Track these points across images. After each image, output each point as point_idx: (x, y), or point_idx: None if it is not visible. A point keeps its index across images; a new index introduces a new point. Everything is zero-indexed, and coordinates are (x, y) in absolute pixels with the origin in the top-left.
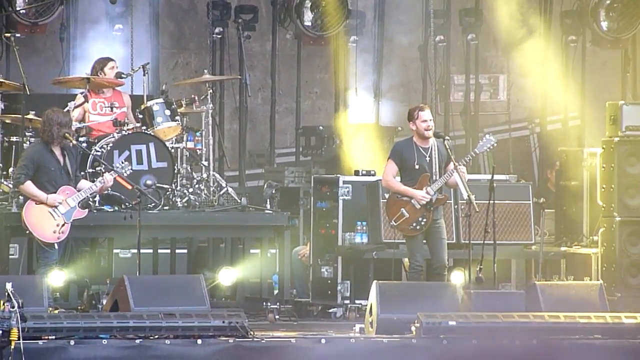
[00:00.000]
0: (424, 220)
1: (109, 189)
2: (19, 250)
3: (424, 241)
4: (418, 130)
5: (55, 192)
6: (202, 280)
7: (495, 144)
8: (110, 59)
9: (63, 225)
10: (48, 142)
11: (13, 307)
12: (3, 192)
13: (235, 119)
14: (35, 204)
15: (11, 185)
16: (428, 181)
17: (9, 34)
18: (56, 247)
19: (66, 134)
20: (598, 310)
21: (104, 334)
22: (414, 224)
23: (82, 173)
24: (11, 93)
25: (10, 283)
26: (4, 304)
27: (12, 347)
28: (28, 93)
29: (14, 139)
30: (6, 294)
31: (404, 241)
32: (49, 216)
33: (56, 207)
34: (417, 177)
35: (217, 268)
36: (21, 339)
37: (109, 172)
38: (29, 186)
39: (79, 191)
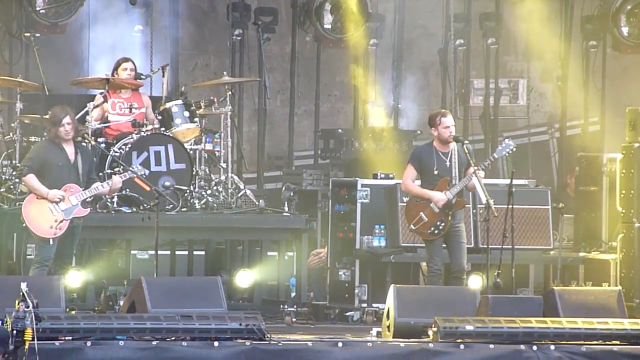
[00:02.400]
0: (443, 224)
1: (125, 190)
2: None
3: (443, 245)
4: (440, 136)
5: (62, 187)
6: (219, 282)
7: (514, 149)
8: (125, 60)
9: (61, 221)
10: (53, 140)
11: (28, 307)
12: (21, 192)
13: (254, 121)
14: (37, 198)
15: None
16: (447, 185)
17: (28, 34)
18: (51, 242)
19: (84, 135)
20: (616, 317)
21: (120, 336)
22: (433, 228)
23: (101, 174)
24: (30, 93)
25: (25, 283)
26: (18, 304)
27: (27, 347)
28: (47, 93)
29: (33, 138)
30: (21, 293)
31: (422, 245)
32: (48, 211)
33: (57, 202)
34: (437, 182)
35: (235, 270)
36: (35, 339)
37: (125, 172)
38: (31, 179)
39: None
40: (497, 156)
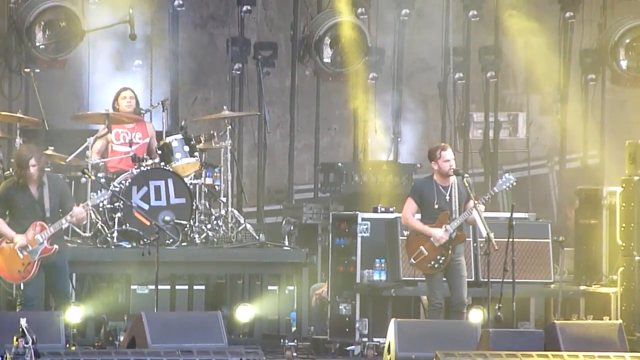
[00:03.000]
0: (443, 258)
1: (124, 225)
2: None
3: (444, 279)
4: (440, 170)
5: (28, 227)
6: (219, 317)
7: (514, 183)
8: (124, 89)
9: (28, 264)
10: (17, 180)
11: (27, 343)
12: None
13: (254, 155)
14: (6, 242)
15: None
16: (447, 219)
17: (28, 69)
18: (22, 287)
19: (84, 170)
20: (618, 350)
21: None
22: (433, 262)
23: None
24: (30, 128)
25: (25, 319)
26: (17, 340)
27: None
28: (47, 128)
29: None
30: (20, 329)
31: (423, 279)
32: (15, 255)
33: (24, 247)
34: (437, 216)
35: (235, 305)
36: None
37: (87, 201)
38: None
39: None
40: (497, 190)
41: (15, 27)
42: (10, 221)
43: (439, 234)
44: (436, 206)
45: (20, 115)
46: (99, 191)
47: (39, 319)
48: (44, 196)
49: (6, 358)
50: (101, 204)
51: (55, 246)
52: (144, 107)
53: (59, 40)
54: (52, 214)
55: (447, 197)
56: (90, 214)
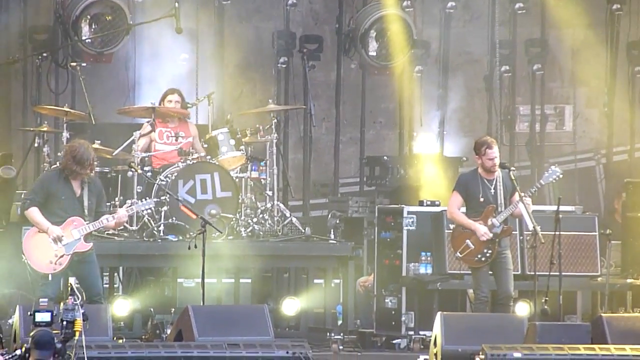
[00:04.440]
0: (490, 251)
1: (171, 218)
2: None
3: (490, 272)
4: (484, 166)
5: (65, 221)
6: (266, 310)
7: (560, 175)
8: (172, 91)
9: (61, 256)
10: (63, 172)
11: (76, 300)
12: None
13: (299, 148)
14: (38, 232)
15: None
16: (493, 213)
17: (74, 64)
18: (50, 278)
19: (130, 164)
20: None
21: None
22: (479, 256)
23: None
24: (77, 122)
25: (74, 277)
26: (67, 297)
27: (77, 337)
28: (94, 122)
29: None
30: (69, 287)
31: (469, 272)
32: (48, 245)
33: (55, 239)
34: (482, 209)
35: (281, 298)
36: (84, 334)
37: (132, 205)
38: (33, 212)
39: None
40: (544, 183)
41: (61, 22)
42: (45, 212)
43: (483, 230)
44: (481, 199)
45: (67, 110)
46: (144, 199)
47: (87, 311)
48: (84, 194)
49: (57, 314)
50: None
51: (91, 244)
52: (190, 101)
53: (105, 34)
54: (89, 213)
55: (492, 191)
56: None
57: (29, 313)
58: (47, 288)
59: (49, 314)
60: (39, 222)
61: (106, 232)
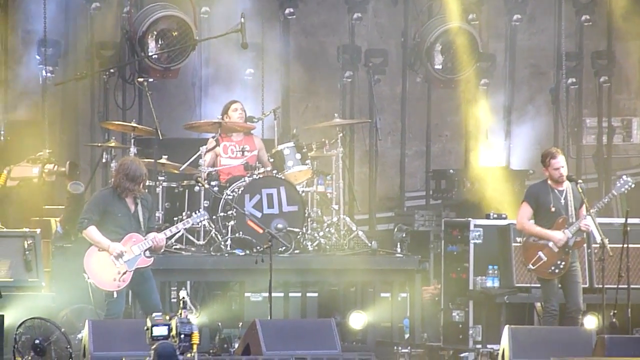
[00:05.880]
0: (563, 263)
1: (238, 232)
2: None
3: (559, 285)
4: (551, 177)
5: (123, 238)
6: (333, 324)
7: (633, 185)
8: (234, 102)
9: (124, 273)
10: (116, 190)
11: (191, 313)
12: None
13: (365, 162)
14: (98, 250)
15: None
16: (565, 224)
17: (141, 79)
18: (115, 295)
19: (197, 178)
20: None
21: None
22: (553, 267)
23: (215, 217)
24: (144, 138)
25: (185, 290)
26: (181, 310)
27: (195, 351)
28: (160, 137)
29: (147, 183)
30: (182, 300)
31: (536, 285)
32: (110, 263)
33: (117, 256)
34: (553, 220)
35: (348, 312)
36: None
37: (170, 229)
38: (92, 231)
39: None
40: (616, 193)
41: (128, 38)
42: (102, 230)
43: (559, 236)
44: (552, 209)
45: (135, 125)
46: (197, 211)
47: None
48: (138, 210)
49: (172, 327)
50: (202, 220)
51: (152, 259)
52: (256, 116)
53: (172, 49)
54: (145, 229)
55: (563, 201)
56: (205, 222)
57: (145, 328)
58: (114, 305)
59: (166, 327)
60: (99, 241)
61: (174, 247)
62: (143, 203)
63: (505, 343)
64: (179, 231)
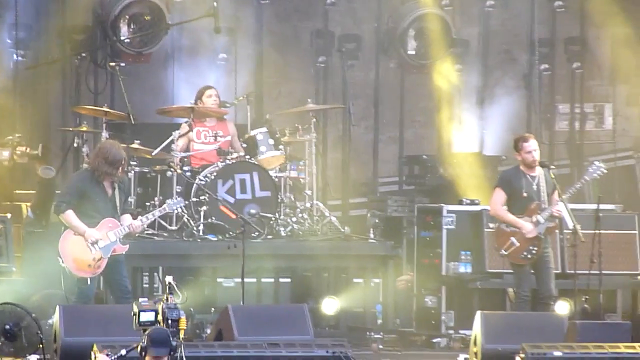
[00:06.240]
0: (535, 248)
1: (210, 218)
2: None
3: (532, 271)
4: (524, 161)
5: (100, 221)
6: (305, 310)
7: (605, 171)
8: (208, 87)
9: (99, 259)
10: (94, 173)
11: (177, 299)
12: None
13: (338, 148)
14: (74, 234)
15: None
16: (538, 210)
17: (113, 64)
18: (89, 282)
19: (170, 164)
20: None
21: None
22: (525, 253)
23: (187, 202)
24: (116, 122)
25: (171, 276)
26: (167, 296)
27: (182, 335)
28: (133, 122)
29: None
30: (167, 286)
31: (509, 271)
32: (85, 249)
33: (93, 243)
34: (525, 205)
35: (321, 297)
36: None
37: (147, 215)
38: (69, 215)
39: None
40: (588, 178)
41: (100, 22)
42: (79, 214)
43: (529, 227)
44: (525, 194)
45: (106, 109)
46: (174, 198)
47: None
48: (115, 194)
49: (159, 313)
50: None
51: (127, 246)
52: (229, 101)
53: (144, 34)
54: (120, 212)
55: (535, 187)
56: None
57: (132, 313)
58: (87, 290)
59: (153, 313)
60: (76, 226)
61: (146, 232)
62: (120, 186)
63: (477, 328)
64: (154, 218)
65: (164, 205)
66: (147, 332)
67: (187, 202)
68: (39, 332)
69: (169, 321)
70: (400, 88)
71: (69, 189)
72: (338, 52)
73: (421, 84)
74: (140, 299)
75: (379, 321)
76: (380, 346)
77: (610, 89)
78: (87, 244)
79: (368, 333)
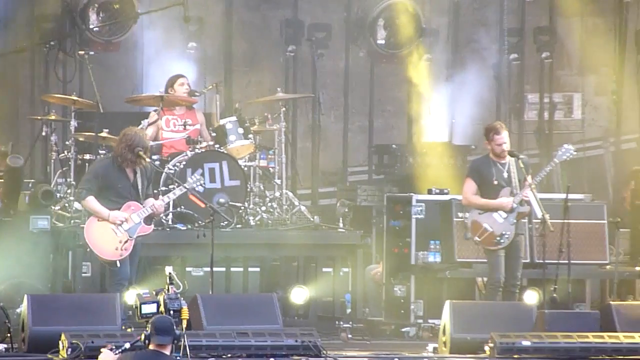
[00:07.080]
0: (509, 232)
1: (179, 207)
2: (91, 268)
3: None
4: (493, 151)
5: (121, 207)
6: (274, 299)
7: (574, 153)
8: (180, 76)
9: (126, 242)
10: (116, 159)
11: (178, 289)
12: (76, 210)
13: (308, 137)
14: (98, 220)
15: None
16: (509, 195)
17: (82, 52)
18: (118, 264)
19: (139, 153)
20: None
21: (176, 353)
22: (498, 238)
23: (155, 191)
24: (85, 111)
25: (170, 267)
26: (168, 287)
27: (184, 325)
28: (101, 111)
29: (87, 156)
30: (168, 277)
31: (478, 260)
32: (111, 233)
33: (119, 224)
34: (497, 193)
35: (290, 287)
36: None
37: (168, 194)
38: (91, 202)
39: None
40: (558, 161)
41: (68, 10)
42: (101, 200)
43: (507, 200)
44: (495, 182)
45: (75, 98)
46: (194, 175)
47: (95, 301)
48: (137, 179)
49: (160, 304)
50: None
51: (152, 226)
52: (198, 90)
53: (113, 22)
54: (143, 197)
55: (506, 174)
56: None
57: (134, 306)
58: (120, 271)
59: (155, 304)
60: (98, 211)
61: None
62: (142, 172)
63: (446, 318)
64: (176, 197)
65: (185, 184)
66: (151, 320)
67: (155, 191)
68: (7, 321)
69: (171, 312)
70: (370, 77)
71: (89, 175)
72: (308, 41)
73: (391, 73)
74: (141, 291)
75: (348, 310)
76: (350, 335)
77: (580, 79)
78: (112, 227)
79: (337, 322)
